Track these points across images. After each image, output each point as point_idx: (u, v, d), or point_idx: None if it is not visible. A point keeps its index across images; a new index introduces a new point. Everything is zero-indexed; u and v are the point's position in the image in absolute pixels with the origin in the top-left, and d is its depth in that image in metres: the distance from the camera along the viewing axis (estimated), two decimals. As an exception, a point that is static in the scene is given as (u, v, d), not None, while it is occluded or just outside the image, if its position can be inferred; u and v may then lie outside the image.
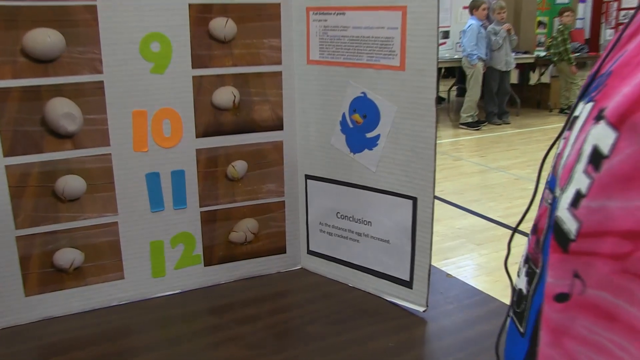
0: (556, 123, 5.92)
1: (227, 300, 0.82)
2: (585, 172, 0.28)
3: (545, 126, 5.80)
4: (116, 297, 0.81)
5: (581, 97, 0.34)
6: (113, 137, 0.76)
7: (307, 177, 0.88)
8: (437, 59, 0.71)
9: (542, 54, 6.64)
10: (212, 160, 0.83)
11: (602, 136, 0.27)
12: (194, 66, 0.79)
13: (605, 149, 0.27)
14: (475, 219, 3.21)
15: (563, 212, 0.29)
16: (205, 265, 0.86)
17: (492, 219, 3.19)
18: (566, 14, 5.94)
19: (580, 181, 0.28)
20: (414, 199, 0.76)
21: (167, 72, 0.77)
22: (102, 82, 0.74)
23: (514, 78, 6.59)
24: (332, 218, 0.86)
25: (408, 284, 0.79)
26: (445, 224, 3.11)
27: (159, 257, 0.83)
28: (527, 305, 0.36)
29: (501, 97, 5.81)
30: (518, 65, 6.40)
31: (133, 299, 0.82)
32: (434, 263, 0.80)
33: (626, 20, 0.34)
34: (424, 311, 0.77)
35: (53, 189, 0.74)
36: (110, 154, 0.77)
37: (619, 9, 7.84)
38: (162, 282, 0.84)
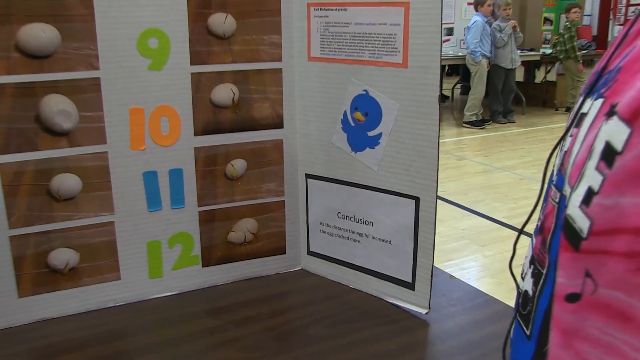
0: (562, 122, 5.92)
1: (225, 302, 0.82)
2: (597, 169, 0.28)
3: (551, 125, 5.80)
4: (112, 298, 0.81)
5: (588, 94, 0.34)
6: (110, 134, 0.76)
7: (308, 176, 0.88)
8: (441, 55, 0.71)
9: (548, 51, 6.64)
10: (210, 158, 0.83)
11: (615, 132, 0.27)
12: (192, 63, 0.79)
13: (618, 145, 0.27)
14: (479, 219, 3.21)
15: (574, 210, 0.29)
16: (203, 266, 0.86)
17: (496, 220, 3.19)
18: (573, 10, 5.94)
19: (591, 178, 0.28)
20: (417, 199, 0.76)
21: (165, 69, 0.77)
22: (98, 78, 0.74)
23: (519, 76, 6.59)
24: (333, 218, 0.86)
25: (410, 286, 0.79)
26: (449, 224, 3.11)
27: (156, 258, 0.83)
28: (533, 307, 0.36)
29: (506, 95, 5.81)
30: (523, 63, 6.39)
31: (130, 300, 0.82)
32: (436, 265, 0.81)
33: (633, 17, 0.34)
34: (426, 313, 0.77)
35: (48, 188, 0.75)
36: (106, 152, 0.77)
37: (628, 5, 7.83)
38: (160, 283, 0.84)
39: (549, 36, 7.20)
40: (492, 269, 2.59)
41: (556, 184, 0.35)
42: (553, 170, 0.38)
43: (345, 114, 0.81)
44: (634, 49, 0.30)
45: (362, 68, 0.78)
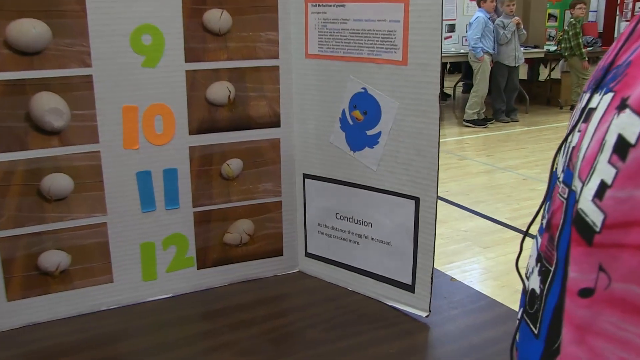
0: (567, 120, 5.92)
1: (221, 305, 0.82)
2: (610, 162, 0.28)
3: (556, 124, 5.81)
4: (105, 301, 0.81)
5: (595, 89, 0.34)
6: (102, 133, 0.77)
7: (305, 176, 0.88)
8: (441, 52, 0.71)
9: (553, 48, 6.65)
10: (206, 158, 0.83)
11: (628, 125, 0.28)
12: (187, 60, 0.79)
13: (631, 137, 0.27)
14: (482, 221, 3.22)
15: (586, 204, 0.30)
16: (198, 268, 0.86)
17: (499, 221, 3.19)
18: (578, 6, 5.96)
19: (604, 172, 0.29)
20: (417, 199, 0.76)
21: (159, 66, 0.78)
22: (90, 76, 0.74)
23: (522, 73, 6.60)
24: (331, 219, 0.87)
25: (410, 288, 0.79)
26: (450, 226, 3.11)
27: (150, 260, 0.83)
28: (541, 305, 0.37)
29: (509, 93, 5.83)
30: (527, 60, 6.41)
31: (123, 304, 0.82)
32: (438, 267, 0.81)
33: None
34: (426, 316, 0.77)
35: (39, 188, 0.75)
36: (99, 152, 0.77)
37: (636, 0, 7.85)
38: (154, 285, 0.84)
39: (553, 33, 7.22)
40: (494, 272, 2.59)
41: (564, 179, 0.35)
42: (557, 168, 0.39)
43: (343, 112, 0.82)
44: None
45: (360, 65, 0.78)
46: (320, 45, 0.81)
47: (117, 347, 0.73)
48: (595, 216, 0.29)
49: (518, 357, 0.41)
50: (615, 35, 7.73)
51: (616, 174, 0.28)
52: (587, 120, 0.34)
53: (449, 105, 6.88)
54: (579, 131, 0.35)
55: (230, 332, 0.75)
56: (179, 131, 0.81)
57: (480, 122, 5.64)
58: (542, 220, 0.41)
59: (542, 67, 7.33)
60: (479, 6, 5.52)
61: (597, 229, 0.29)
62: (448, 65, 8.02)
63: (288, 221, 0.90)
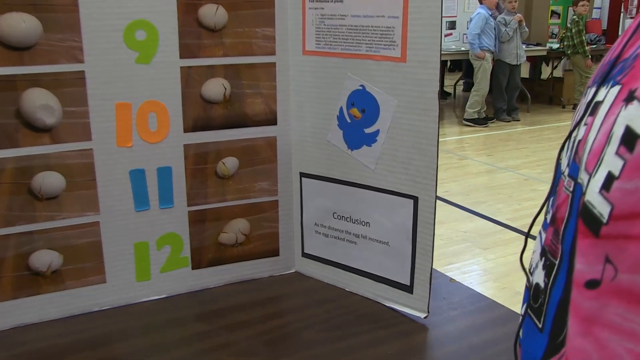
0: (569, 120, 5.94)
1: (216, 306, 0.83)
2: (618, 153, 0.29)
3: (558, 123, 5.83)
4: (97, 302, 0.82)
5: (601, 83, 0.35)
6: (95, 131, 0.77)
7: (302, 175, 0.88)
8: (441, 49, 0.72)
9: (555, 46, 6.67)
10: (201, 156, 0.83)
11: (635, 116, 0.28)
12: (182, 56, 0.79)
13: (639, 129, 0.28)
14: (482, 221, 3.23)
15: (593, 196, 0.30)
16: (193, 268, 0.87)
17: (499, 222, 3.20)
18: (581, 3, 5.97)
19: (611, 163, 0.29)
20: (415, 199, 0.77)
21: (153, 62, 0.78)
22: (83, 72, 0.75)
23: (524, 72, 6.62)
24: (329, 219, 0.87)
25: (408, 289, 0.80)
26: (450, 226, 3.12)
27: (143, 260, 0.83)
28: (545, 299, 0.37)
29: (511, 92, 5.84)
30: (529, 58, 6.43)
31: (116, 304, 0.82)
32: (437, 268, 0.81)
33: None
34: (425, 317, 0.78)
35: (29, 186, 0.75)
36: (91, 149, 0.77)
37: (640, -2, 7.87)
38: (147, 286, 0.84)
39: (556, 30, 7.24)
40: (495, 273, 2.60)
41: (570, 173, 0.36)
42: (561, 163, 0.39)
43: (341, 110, 0.82)
44: None
45: (359, 62, 0.78)
46: (318, 41, 0.81)
47: (110, 348, 0.73)
48: (602, 208, 0.29)
49: (522, 354, 0.41)
50: (620, 33, 7.74)
51: (624, 165, 0.28)
52: (593, 113, 0.34)
53: (449, 104, 6.89)
54: (585, 125, 0.35)
55: (225, 333, 0.75)
56: (174, 129, 0.81)
57: (481, 121, 5.65)
58: (545, 215, 0.41)
59: (544, 65, 7.35)
60: (481, 3, 5.53)
61: (604, 221, 0.29)
62: (448, 63, 8.03)
63: (284, 221, 0.90)
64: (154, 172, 0.81)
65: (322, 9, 0.80)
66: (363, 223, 0.83)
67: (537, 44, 6.63)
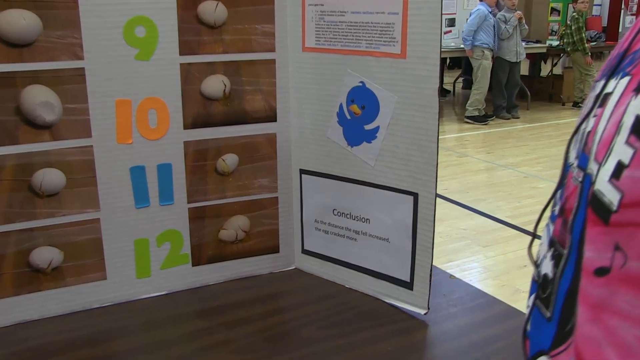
0: (569, 117, 5.96)
1: (216, 303, 0.83)
2: (628, 142, 0.29)
3: (558, 121, 5.83)
4: (98, 299, 0.82)
5: (610, 75, 0.36)
6: (95, 128, 0.77)
7: (302, 171, 0.89)
8: (441, 46, 0.72)
9: (555, 43, 6.67)
10: (201, 153, 0.84)
11: None
12: (181, 53, 0.79)
13: None
14: (482, 219, 3.23)
15: (603, 185, 0.31)
16: (193, 265, 0.87)
17: (499, 220, 3.21)
18: (581, 0, 5.97)
19: (621, 152, 0.30)
20: (415, 195, 0.77)
21: (153, 59, 0.78)
22: (82, 68, 0.75)
23: (524, 69, 6.61)
24: (329, 215, 0.87)
25: (408, 285, 0.80)
26: (450, 224, 3.12)
27: (143, 257, 0.83)
28: (553, 288, 0.38)
29: (510, 89, 5.84)
30: (529, 56, 6.42)
31: (116, 301, 0.83)
32: (437, 265, 0.82)
33: None
34: (425, 314, 0.78)
35: (30, 183, 0.75)
36: (91, 146, 0.77)
37: (642, -5, 7.85)
38: (147, 283, 0.84)
39: (556, 27, 7.23)
40: (494, 271, 2.61)
41: (579, 164, 0.37)
42: (569, 156, 0.40)
43: (341, 106, 0.82)
44: None
45: (358, 59, 0.78)
46: (318, 38, 0.82)
47: (110, 345, 0.74)
48: (612, 196, 0.30)
49: (530, 344, 0.41)
50: (620, 30, 7.74)
51: (633, 154, 0.29)
52: (602, 105, 0.35)
53: (449, 102, 6.89)
54: (594, 116, 0.36)
55: (225, 330, 0.76)
56: (173, 125, 0.81)
57: (480, 119, 5.65)
58: (553, 208, 0.42)
59: (544, 62, 7.35)
60: (481, 0, 5.53)
61: (614, 208, 0.30)
62: (448, 61, 8.02)
63: (284, 217, 0.91)
64: (154, 168, 0.81)
65: (322, 5, 0.80)
66: (363, 220, 0.84)
67: (537, 41, 6.63)
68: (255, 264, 0.90)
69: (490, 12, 5.44)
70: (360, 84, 0.79)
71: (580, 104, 6.21)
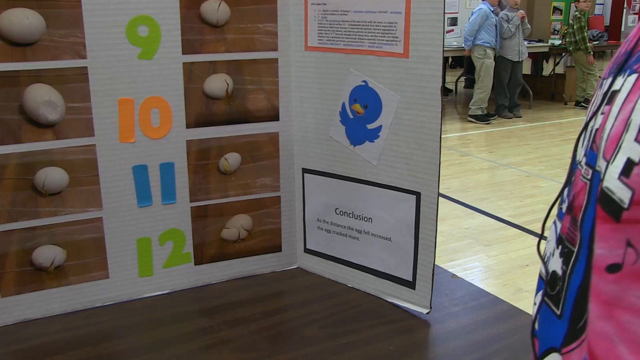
0: (571, 116, 5.94)
1: (218, 301, 0.83)
2: (637, 140, 0.30)
3: (560, 120, 5.82)
4: (100, 297, 0.82)
5: (618, 73, 0.35)
6: (97, 126, 0.77)
7: (305, 170, 0.89)
8: (443, 45, 0.71)
9: (557, 42, 6.65)
10: (203, 152, 0.83)
11: None
12: (184, 52, 0.79)
13: None
14: (484, 218, 3.23)
15: (612, 182, 0.31)
16: (195, 264, 0.87)
17: (501, 219, 3.20)
18: (583, -1, 5.95)
19: (630, 150, 0.30)
20: (418, 194, 0.77)
21: (156, 58, 0.78)
22: (85, 67, 0.75)
23: (526, 68, 6.60)
24: (331, 214, 0.87)
25: (410, 284, 0.80)
26: (452, 223, 3.12)
27: (146, 255, 0.83)
28: (564, 286, 0.38)
29: (512, 88, 5.83)
30: (531, 55, 6.40)
31: (118, 300, 0.83)
32: (439, 264, 0.81)
33: None
34: (427, 313, 0.78)
35: (32, 182, 0.75)
36: (94, 145, 0.77)
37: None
38: (150, 281, 0.84)
39: (558, 26, 7.21)
40: (496, 270, 2.60)
41: (587, 161, 0.37)
42: (576, 153, 0.40)
43: (343, 106, 0.82)
44: None
45: (361, 58, 0.78)
46: (320, 37, 0.81)
47: (112, 344, 0.74)
48: (622, 193, 0.30)
49: (539, 342, 0.41)
50: (623, 29, 7.72)
51: None
52: (610, 102, 0.35)
53: (451, 101, 6.88)
54: (602, 114, 0.36)
55: (228, 329, 0.76)
56: (176, 124, 0.81)
57: (482, 118, 5.64)
58: (560, 205, 0.42)
59: (546, 61, 7.33)
60: (483, -1, 5.52)
61: (625, 206, 0.30)
62: (450, 60, 8.01)
63: (287, 216, 0.91)
64: (157, 167, 0.81)
65: (325, 4, 0.80)
66: (365, 219, 0.84)
67: (539, 41, 6.61)
68: (258, 263, 0.90)
69: (493, 11, 5.43)
70: (363, 83, 0.79)
71: (582, 103, 6.20)
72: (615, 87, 0.35)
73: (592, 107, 0.39)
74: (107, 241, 0.81)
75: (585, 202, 0.36)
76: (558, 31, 7.08)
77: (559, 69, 7.02)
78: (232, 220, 0.87)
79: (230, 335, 0.74)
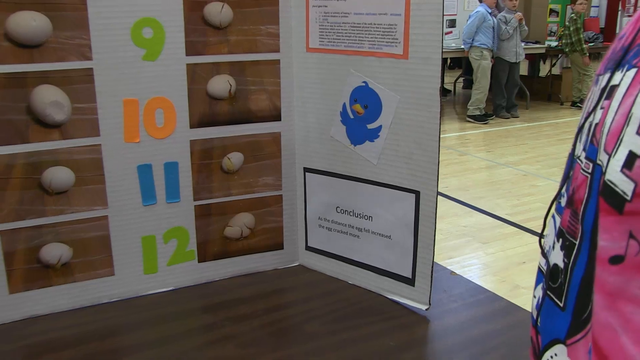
0: (567, 117, 5.94)
1: (221, 298, 0.83)
2: (638, 133, 0.30)
3: (556, 120, 5.81)
4: (106, 294, 0.82)
5: (616, 68, 0.35)
6: (103, 127, 0.77)
7: (306, 170, 0.88)
8: (442, 46, 0.71)
9: (554, 44, 6.65)
10: (206, 151, 0.83)
11: None
12: (188, 53, 0.79)
13: None
14: (482, 216, 3.23)
15: (614, 175, 0.31)
16: (199, 262, 0.87)
17: (499, 217, 3.20)
18: (579, 1, 5.94)
19: (632, 143, 0.30)
20: (417, 193, 0.77)
21: (160, 59, 0.78)
22: (91, 69, 0.75)
23: (523, 69, 6.60)
24: (332, 213, 0.87)
25: (410, 281, 0.80)
26: (450, 221, 3.12)
27: (150, 253, 0.83)
28: (566, 278, 0.38)
29: (510, 89, 5.82)
30: (528, 56, 6.40)
31: (123, 297, 0.83)
32: (438, 262, 0.81)
33: None
34: (426, 309, 0.78)
35: (39, 181, 0.75)
36: (100, 145, 0.77)
37: (639, -5, 7.81)
38: (154, 278, 0.84)
39: (554, 28, 7.21)
40: (494, 267, 2.60)
41: (587, 155, 0.37)
42: (575, 148, 0.40)
43: (344, 106, 0.82)
44: None
45: (361, 59, 0.78)
46: (321, 38, 0.81)
47: (118, 340, 0.74)
48: (625, 186, 0.30)
49: (541, 334, 0.41)
50: (617, 31, 7.70)
51: None
52: (609, 97, 0.35)
53: (449, 101, 6.88)
54: (601, 108, 0.36)
55: (230, 325, 0.76)
56: (180, 124, 0.81)
57: (480, 118, 5.64)
58: (559, 200, 0.42)
59: (543, 63, 7.33)
60: (481, 1, 5.51)
61: (628, 198, 0.30)
62: (448, 61, 8.01)
63: (288, 215, 0.91)
64: (161, 167, 0.81)
65: (326, 6, 0.80)
66: (365, 217, 0.84)
67: (536, 42, 6.60)
68: (260, 261, 0.90)
69: (490, 13, 5.42)
70: (363, 84, 0.79)
71: (578, 104, 6.19)
72: (614, 81, 0.35)
73: (589, 103, 0.39)
74: (113, 239, 0.81)
75: (586, 195, 0.36)
76: (555, 33, 7.07)
77: (556, 70, 7.02)
78: (235, 218, 0.87)
79: (233, 331, 0.74)
